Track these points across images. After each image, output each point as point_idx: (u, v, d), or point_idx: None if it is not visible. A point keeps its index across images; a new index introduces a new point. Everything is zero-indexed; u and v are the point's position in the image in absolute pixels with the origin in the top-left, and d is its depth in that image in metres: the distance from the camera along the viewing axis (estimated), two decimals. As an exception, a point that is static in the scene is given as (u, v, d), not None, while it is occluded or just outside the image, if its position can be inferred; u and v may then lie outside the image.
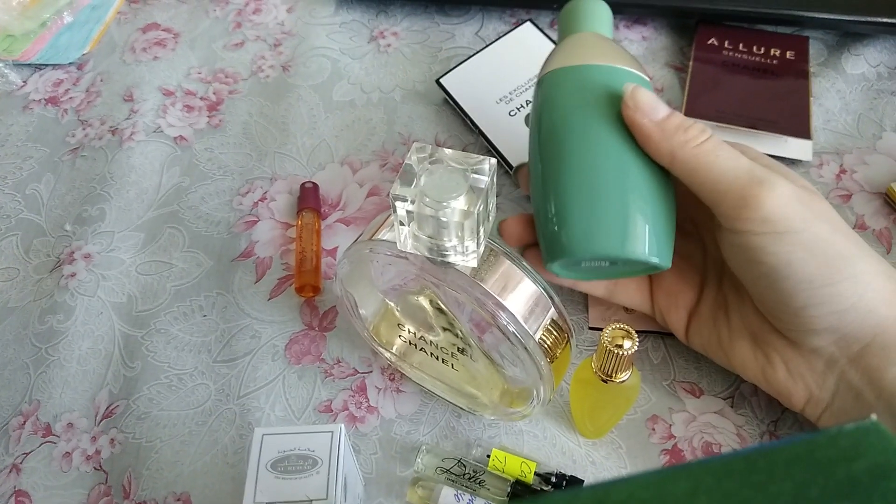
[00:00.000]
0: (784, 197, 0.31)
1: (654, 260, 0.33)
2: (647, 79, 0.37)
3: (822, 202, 0.33)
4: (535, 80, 0.38)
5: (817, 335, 0.32)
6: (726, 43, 0.53)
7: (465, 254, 0.30)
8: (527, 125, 0.48)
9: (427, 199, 0.29)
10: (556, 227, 0.34)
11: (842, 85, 0.51)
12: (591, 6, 0.39)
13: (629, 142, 0.34)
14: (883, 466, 0.14)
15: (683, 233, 0.39)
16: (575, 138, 0.34)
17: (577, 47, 0.37)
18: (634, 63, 0.37)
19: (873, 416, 0.15)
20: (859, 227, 0.45)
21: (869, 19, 0.51)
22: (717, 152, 0.33)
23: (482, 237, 0.31)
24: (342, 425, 0.31)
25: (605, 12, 0.39)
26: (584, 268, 0.35)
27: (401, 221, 0.30)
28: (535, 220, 0.36)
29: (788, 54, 0.53)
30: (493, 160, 0.30)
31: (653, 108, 0.33)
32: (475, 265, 0.31)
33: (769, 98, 0.50)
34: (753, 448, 0.14)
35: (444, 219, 0.29)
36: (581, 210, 0.33)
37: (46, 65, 0.59)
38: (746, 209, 0.31)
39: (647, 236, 0.33)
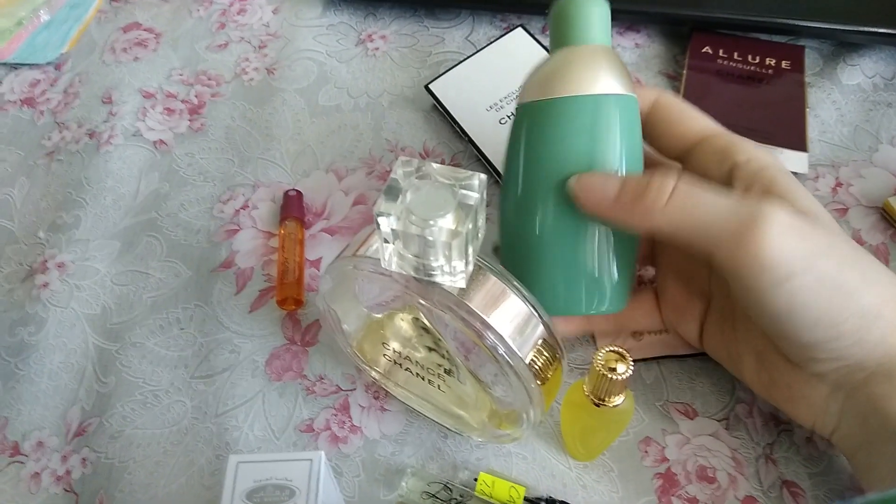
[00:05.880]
0: (778, 236, 0.28)
1: (605, 308, 0.35)
2: (633, 95, 0.35)
3: (823, 229, 0.30)
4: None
5: (821, 363, 0.31)
6: (721, 51, 0.52)
7: (452, 274, 0.29)
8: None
9: (413, 217, 0.28)
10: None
11: (837, 96, 0.50)
12: (581, 8, 0.35)
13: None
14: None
15: None
16: (539, 199, 0.34)
17: (559, 71, 0.34)
18: (621, 80, 0.34)
19: None
20: (856, 241, 0.44)
21: (865, 29, 0.51)
22: (693, 200, 0.30)
23: (471, 256, 0.29)
24: (322, 453, 0.29)
25: (599, 11, 0.35)
26: None
27: (385, 239, 0.29)
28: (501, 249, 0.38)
29: (784, 64, 0.51)
30: (483, 176, 0.28)
31: (602, 188, 0.32)
32: (464, 286, 0.30)
33: (764, 108, 0.49)
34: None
35: (430, 238, 0.27)
36: (541, 275, 0.35)
37: (23, 64, 0.57)
38: (743, 258, 0.29)
39: (596, 294, 0.35)
